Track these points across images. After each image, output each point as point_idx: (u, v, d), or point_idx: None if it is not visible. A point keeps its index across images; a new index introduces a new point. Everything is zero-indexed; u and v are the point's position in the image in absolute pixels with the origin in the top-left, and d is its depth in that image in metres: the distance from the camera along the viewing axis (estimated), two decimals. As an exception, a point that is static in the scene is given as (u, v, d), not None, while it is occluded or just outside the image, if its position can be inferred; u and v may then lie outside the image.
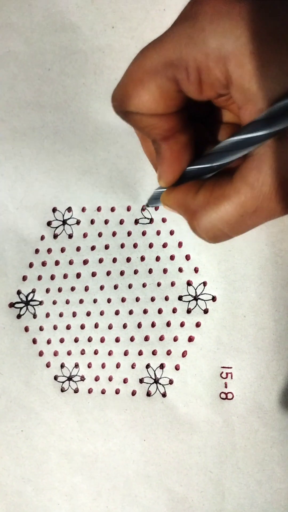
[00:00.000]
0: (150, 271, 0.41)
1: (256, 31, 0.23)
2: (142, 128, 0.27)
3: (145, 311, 0.40)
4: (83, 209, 0.42)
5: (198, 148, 0.28)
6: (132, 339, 0.41)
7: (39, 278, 0.42)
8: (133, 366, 0.40)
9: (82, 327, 0.41)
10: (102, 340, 0.41)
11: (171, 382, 0.40)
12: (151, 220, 0.41)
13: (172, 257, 0.40)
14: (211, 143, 0.29)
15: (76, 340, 0.41)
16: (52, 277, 0.42)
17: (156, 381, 0.40)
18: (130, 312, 0.41)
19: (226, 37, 0.23)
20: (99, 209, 0.42)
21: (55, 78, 0.42)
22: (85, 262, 0.42)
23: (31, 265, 0.42)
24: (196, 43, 0.24)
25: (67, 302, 0.42)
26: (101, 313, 0.41)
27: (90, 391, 0.41)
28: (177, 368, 0.40)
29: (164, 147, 0.27)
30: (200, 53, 0.23)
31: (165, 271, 0.40)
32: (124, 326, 0.41)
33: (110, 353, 0.41)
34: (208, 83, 0.25)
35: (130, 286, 0.41)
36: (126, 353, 0.41)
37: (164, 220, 0.41)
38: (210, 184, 0.27)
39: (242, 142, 0.24)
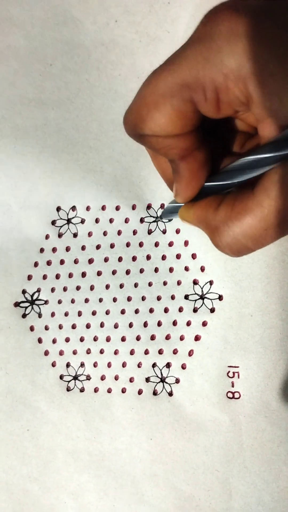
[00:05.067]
0: (156, 270, 0.40)
1: (275, 50, 0.22)
2: (159, 149, 0.27)
3: (151, 310, 0.40)
4: (88, 208, 0.42)
5: (213, 160, 0.28)
6: (138, 338, 0.40)
7: (44, 277, 0.42)
8: (139, 365, 0.40)
9: (88, 326, 0.41)
10: (108, 339, 0.41)
11: (177, 381, 0.40)
12: (157, 219, 0.40)
13: (178, 256, 0.40)
14: (226, 154, 0.28)
15: (81, 339, 0.41)
16: (57, 276, 0.42)
17: (162, 380, 0.40)
18: (136, 311, 0.40)
19: (245, 58, 0.23)
20: (103, 208, 0.41)
21: (57, 74, 0.41)
22: (91, 261, 0.41)
23: (36, 264, 0.42)
24: (213, 64, 0.23)
25: (73, 301, 0.41)
26: (107, 312, 0.41)
27: (96, 390, 0.41)
28: (183, 367, 0.40)
29: (182, 166, 0.27)
30: (218, 74, 0.23)
31: (171, 270, 0.40)
32: (130, 325, 0.40)
33: (116, 352, 0.41)
34: (227, 102, 0.24)
35: (136, 285, 0.40)
36: (132, 352, 0.40)
37: (169, 218, 0.40)
38: (231, 198, 0.27)
39: (265, 159, 0.24)
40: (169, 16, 0.40)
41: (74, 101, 0.42)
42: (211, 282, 0.39)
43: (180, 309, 0.40)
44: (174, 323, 0.40)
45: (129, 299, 0.41)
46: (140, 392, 0.40)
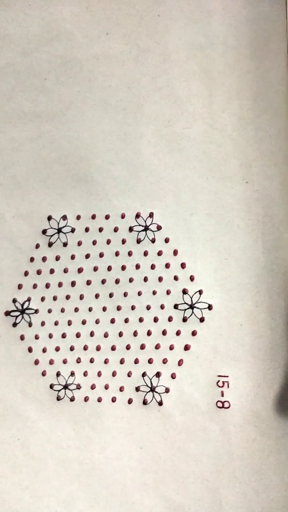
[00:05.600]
0: (146, 279, 0.40)
1: None
2: None
3: (140, 320, 0.40)
4: (78, 217, 0.42)
5: None
6: (128, 347, 0.40)
7: (34, 286, 0.42)
8: (129, 375, 0.40)
9: (78, 335, 0.41)
10: (98, 348, 0.41)
11: (167, 390, 0.40)
12: (146, 228, 0.41)
13: (167, 265, 0.40)
14: None
15: (71, 348, 0.41)
16: (47, 286, 0.42)
17: (152, 389, 0.40)
18: (126, 321, 0.40)
19: None
20: (93, 216, 0.42)
21: (51, 88, 0.42)
22: (80, 270, 0.42)
23: (26, 273, 0.42)
24: None
25: (62, 310, 0.42)
26: (97, 322, 0.41)
27: (86, 399, 0.41)
28: (173, 376, 0.40)
29: None
30: None
31: (160, 279, 0.40)
32: (120, 334, 0.40)
33: (106, 361, 0.41)
34: None
35: (125, 294, 0.41)
36: (122, 361, 0.40)
37: (159, 227, 0.40)
38: None
39: None
40: (159, 28, 0.40)
41: (66, 113, 0.42)
42: (200, 292, 0.39)
43: (170, 319, 0.40)
44: (164, 332, 0.40)
45: (118, 308, 0.41)
46: (130, 401, 0.40)
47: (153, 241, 0.41)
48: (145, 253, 0.41)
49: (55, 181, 0.42)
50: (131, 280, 0.41)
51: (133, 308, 0.40)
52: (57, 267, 0.42)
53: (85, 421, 0.41)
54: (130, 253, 0.41)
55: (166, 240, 0.40)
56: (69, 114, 0.42)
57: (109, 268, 0.41)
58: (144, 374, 0.40)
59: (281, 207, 0.39)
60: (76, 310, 0.41)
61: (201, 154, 0.40)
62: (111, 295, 0.41)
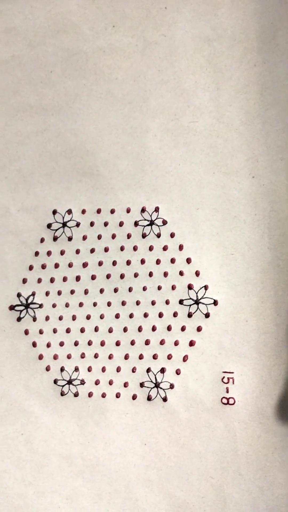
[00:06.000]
0: (151, 274, 0.40)
1: None
2: None
3: (145, 315, 0.40)
4: (83, 211, 0.42)
5: None
6: (132, 342, 0.40)
7: (39, 281, 0.42)
8: (133, 370, 0.40)
9: (82, 330, 0.41)
10: (102, 343, 0.41)
11: (172, 386, 0.39)
12: (151, 222, 0.40)
13: (172, 260, 0.40)
14: None
15: (76, 343, 0.41)
16: (52, 280, 0.42)
17: (156, 385, 0.40)
18: (131, 316, 0.40)
19: None
20: (99, 211, 0.41)
21: (56, 80, 0.42)
22: (85, 265, 0.41)
23: (31, 267, 0.42)
24: None
25: (67, 305, 0.41)
26: (101, 317, 0.41)
27: (90, 395, 0.41)
28: (178, 372, 0.39)
29: None
30: None
31: (165, 274, 0.40)
32: (125, 329, 0.40)
33: (110, 357, 0.40)
34: None
35: (130, 289, 0.40)
36: (126, 357, 0.40)
37: (164, 222, 0.40)
38: None
39: None
40: (166, 20, 0.40)
41: (72, 106, 0.42)
42: (206, 287, 0.39)
43: (175, 314, 0.40)
44: (169, 328, 0.40)
45: (123, 303, 0.40)
46: (134, 397, 0.40)
47: (158, 236, 0.40)
48: (151, 248, 0.40)
49: (61, 175, 0.42)
50: (136, 275, 0.40)
51: (138, 303, 0.40)
52: (62, 262, 0.42)
53: (89, 416, 0.41)
54: (135, 248, 0.41)
55: (172, 235, 0.40)
56: (75, 107, 0.42)
57: (114, 263, 0.41)
58: (148, 370, 0.40)
59: (287, 202, 0.38)
60: (81, 305, 0.41)
61: (208, 148, 0.40)
62: (116, 290, 0.41)
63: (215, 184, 0.39)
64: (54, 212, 0.42)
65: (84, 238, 0.42)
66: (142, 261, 0.40)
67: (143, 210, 0.41)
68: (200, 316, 0.39)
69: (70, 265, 0.42)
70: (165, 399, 0.39)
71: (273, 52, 0.39)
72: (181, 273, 0.40)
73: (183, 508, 0.39)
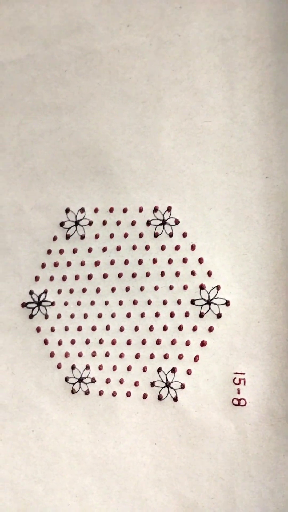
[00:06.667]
0: (162, 273, 0.40)
1: None
2: None
3: (157, 314, 0.40)
4: (96, 210, 0.42)
5: None
6: (143, 342, 0.40)
7: (51, 278, 0.42)
8: (144, 370, 0.40)
9: (93, 329, 0.41)
10: (114, 342, 0.41)
11: (182, 386, 0.39)
12: (163, 222, 0.40)
13: (184, 260, 0.40)
14: None
15: (87, 341, 0.41)
16: (64, 278, 0.42)
17: (167, 385, 0.40)
18: (142, 315, 0.40)
19: None
20: (111, 210, 0.41)
21: (71, 80, 0.42)
22: (97, 263, 0.41)
23: (43, 265, 0.43)
24: None
25: (79, 303, 0.42)
26: (113, 315, 0.41)
27: (101, 393, 0.41)
28: (189, 372, 0.39)
29: None
30: None
31: (177, 274, 0.40)
32: (136, 329, 0.40)
33: (121, 356, 0.41)
34: None
35: (142, 288, 0.40)
36: (137, 356, 0.40)
37: (177, 222, 0.40)
38: None
39: None
40: (180, 20, 0.40)
41: (86, 105, 0.42)
42: (218, 287, 0.39)
43: (186, 314, 0.39)
44: (180, 328, 0.39)
45: (135, 302, 0.40)
46: (145, 396, 0.40)
47: (170, 235, 0.40)
48: (163, 248, 0.40)
49: (74, 174, 0.42)
50: (147, 274, 0.40)
51: (149, 302, 0.40)
52: (74, 260, 0.42)
53: (99, 415, 0.41)
54: (147, 247, 0.41)
55: (184, 235, 0.40)
56: (89, 106, 0.42)
57: (126, 262, 0.41)
58: (159, 370, 0.40)
59: (301, 203, 0.38)
60: (92, 303, 0.41)
61: (221, 148, 0.39)
62: (127, 289, 0.41)
63: (228, 184, 0.39)
64: (67, 210, 0.42)
65: (97, 236, 0.42)
66: (154, 261, 0.40)
67: (155, 209, 0.41)
68: (211, 317, 0.39)
69: (82, 264, 0.42)
70: (175, 399, 0.39)
71: (287, 52, 0.39)
72: (193, 273, 0.40)
73: (193, 509, 0.39)
